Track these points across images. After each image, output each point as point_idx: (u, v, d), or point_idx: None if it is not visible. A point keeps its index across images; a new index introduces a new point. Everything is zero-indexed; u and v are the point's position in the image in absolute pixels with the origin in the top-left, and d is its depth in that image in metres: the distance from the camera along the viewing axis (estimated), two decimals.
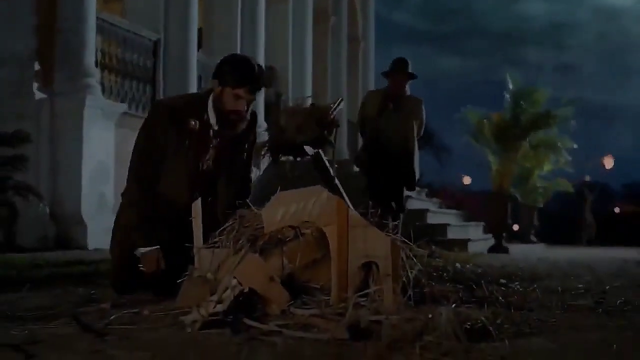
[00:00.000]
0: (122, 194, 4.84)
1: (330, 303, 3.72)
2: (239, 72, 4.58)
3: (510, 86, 20.37)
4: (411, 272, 3.88)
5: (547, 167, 22.78)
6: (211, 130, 4.81)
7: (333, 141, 5.78)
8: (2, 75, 10.83)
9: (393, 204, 9.22)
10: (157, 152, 4.75)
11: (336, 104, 8.06)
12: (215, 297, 3.43)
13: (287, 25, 19.73)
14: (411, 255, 3.91)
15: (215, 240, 4.29)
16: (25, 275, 6.29)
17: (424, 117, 9.52)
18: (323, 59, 22.43)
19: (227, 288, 3.47)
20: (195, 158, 4.83)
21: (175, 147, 4.75)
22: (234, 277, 3.66)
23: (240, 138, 4.95)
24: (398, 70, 9.31)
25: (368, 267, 3.84)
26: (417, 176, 9.49)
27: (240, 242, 4.15)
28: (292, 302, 3.74)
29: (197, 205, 4.41)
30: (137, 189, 4.73)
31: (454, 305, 3.58)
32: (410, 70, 9.32)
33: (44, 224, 10.37)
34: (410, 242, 4.00)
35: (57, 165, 10.78)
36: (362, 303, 3.60)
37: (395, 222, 8.70)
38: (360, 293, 3.69)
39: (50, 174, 10.73)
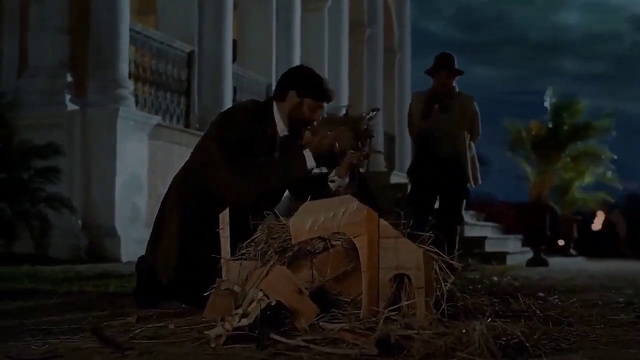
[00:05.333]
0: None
1: (361, 317, 3.61)
2: (320, 87, 4.99)
3: (553, 99, 20.21)
4: (445, 285, 3.74)
5: (588, 179, 22.55)
6: (277, 139, 5.00)
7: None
8: (34, 85, 10.86)
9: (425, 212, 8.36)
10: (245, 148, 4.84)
11: (370, 114, 7.93)
12: (240, 311, 3.31)
13: (323, 36, 19.62)
14: (444, 267, 3.76)
15: (243, 251, 4.19)
16: (55, 288, 6.26)
17: (479, 115, 8.74)
18: (359, 70, 22.30)
19: (252, 301, 3.35)
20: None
21: (250, 149, 4.84)
22: (261, 290, 3.54)
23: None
24: (441, 67, 8.53)
25: (400, 279, 3.72)
26: (479, 181, 8.72)
27: (269, 253, 4.05)
28: (322, 315, 3.61)
29: (224, 216, 4.30)
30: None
31: (489, 320, 3.42)
32: (456, 66, 8.58)
33: (76, 236, 10.37)
34: (444, 253, 3.86)
35: (89, 177, 10.79)
36: (393, 317, 3.48)
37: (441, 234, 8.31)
38: (391, 307, 3.57)
39: (83, 186, 10.73)
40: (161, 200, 5.13)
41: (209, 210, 4.54)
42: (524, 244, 17.70)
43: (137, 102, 11.88)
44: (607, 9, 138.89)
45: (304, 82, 5.00)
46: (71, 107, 10.70)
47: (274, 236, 4.10)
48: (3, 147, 9.86)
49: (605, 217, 27.00)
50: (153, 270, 4.95)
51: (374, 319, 3.49)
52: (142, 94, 12.45)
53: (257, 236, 4.16)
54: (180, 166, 5.21)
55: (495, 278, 8.32)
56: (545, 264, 15.04)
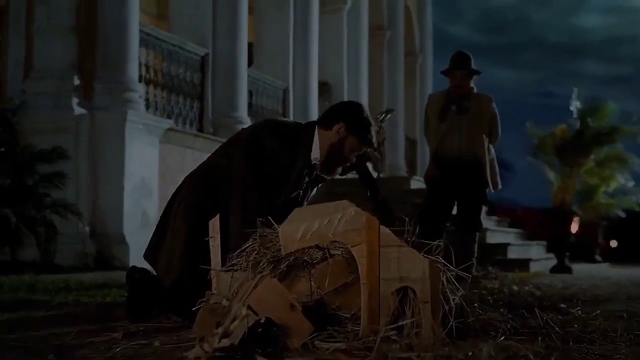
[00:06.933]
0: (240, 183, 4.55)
1: (359, 335, 3.29)
2: (369, 130, 4.75)
3: (578, 104, 19.95)
4: (453, 299, 3.39)
5: (613, 185, 22.23)
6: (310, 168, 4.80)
7: (379, 155, 5.41)
8: (41, 88, 10.62)
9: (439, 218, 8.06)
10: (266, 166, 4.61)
11: (383, 114, 7.56)
12: (220, 330, 2.97)
13: (342, 39, 19.34)
14: (452, 279, 3.42)
15: (234, 262, 3.85)
16: (51, 298, 6.03)
17: (498, 116, 8.36)
18: (379, 74, 22.01)
19: (235, 318, 3.01)
20: (289, 191, 4.74)
21: (277, 173, 4.64)
22: (247, 306, 3.20)
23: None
24: (457, 67, 8.16)
25: (404, 292, 3.40)
26: (498, 186, 8.33)
27: (261, 265, 3.71)
28: (317, 333, 3.30)
29: (215, 224, 3.98)
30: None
31: (502, 338, 3.08)
32: (473, 66, 8.21)
33: (83, 242, 10.13)
34: (456, 262, 3.52)
35: (97, 182, 10.52)
36: (394, 336, 3.14)
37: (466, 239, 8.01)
38: (392, 326, 3.24)
39: (90, 191, 10.46)
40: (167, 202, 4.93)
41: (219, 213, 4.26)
42: (548, 250, 17.36)
43: (148, 106, 11.67)
44: (628, 10, 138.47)
45: (355, 119, 4.75)
46: (78, 110, 10.45)
47: (267, 245, 3.77)
48: (8, 151, 9.71)
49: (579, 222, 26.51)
50: (149, 279, 4.71)
51: (373, 337, 3.17)
52: (154, 97, 12.26)
53: (249, 245, 3.82)
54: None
55: (515, 287, 7.97)
56: (569, 271, 14.72)
